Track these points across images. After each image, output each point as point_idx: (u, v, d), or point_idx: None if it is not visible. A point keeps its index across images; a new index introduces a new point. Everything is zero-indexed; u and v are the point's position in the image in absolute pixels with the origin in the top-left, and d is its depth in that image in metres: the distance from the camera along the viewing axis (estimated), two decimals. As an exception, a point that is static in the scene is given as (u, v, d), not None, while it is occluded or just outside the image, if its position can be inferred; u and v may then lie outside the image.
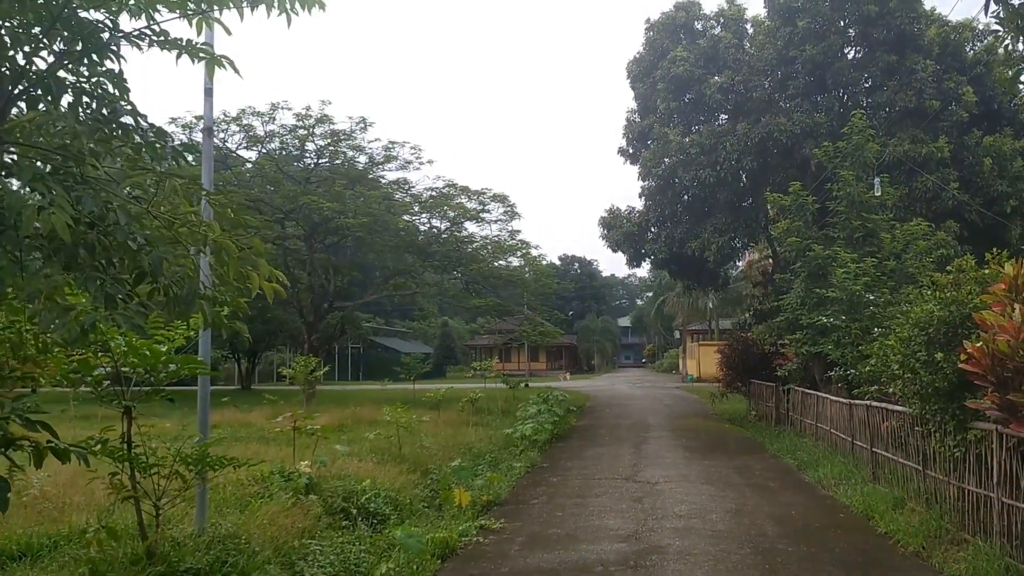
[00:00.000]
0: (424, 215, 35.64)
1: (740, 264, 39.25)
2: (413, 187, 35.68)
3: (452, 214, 34.94)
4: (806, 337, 17.72)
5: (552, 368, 75.93)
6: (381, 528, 9.45)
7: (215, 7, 4.17)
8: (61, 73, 4.38)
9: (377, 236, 31.96)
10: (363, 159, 34.62)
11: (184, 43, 4.27)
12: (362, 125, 32.91)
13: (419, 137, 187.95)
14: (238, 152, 33.81)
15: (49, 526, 8.30)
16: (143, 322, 3.67)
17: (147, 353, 6.76)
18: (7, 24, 4.02)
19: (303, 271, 33.80)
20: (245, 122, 32.09)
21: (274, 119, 32.18)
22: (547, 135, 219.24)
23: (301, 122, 32.13)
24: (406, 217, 34.51)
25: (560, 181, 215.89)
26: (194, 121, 29.81)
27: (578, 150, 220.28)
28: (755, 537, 9.56)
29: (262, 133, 32.67)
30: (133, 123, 4.40)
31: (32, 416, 3.97)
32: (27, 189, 3.50)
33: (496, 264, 36.71)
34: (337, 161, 34.21)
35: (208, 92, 8.24)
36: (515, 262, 38.20)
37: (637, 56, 27.88)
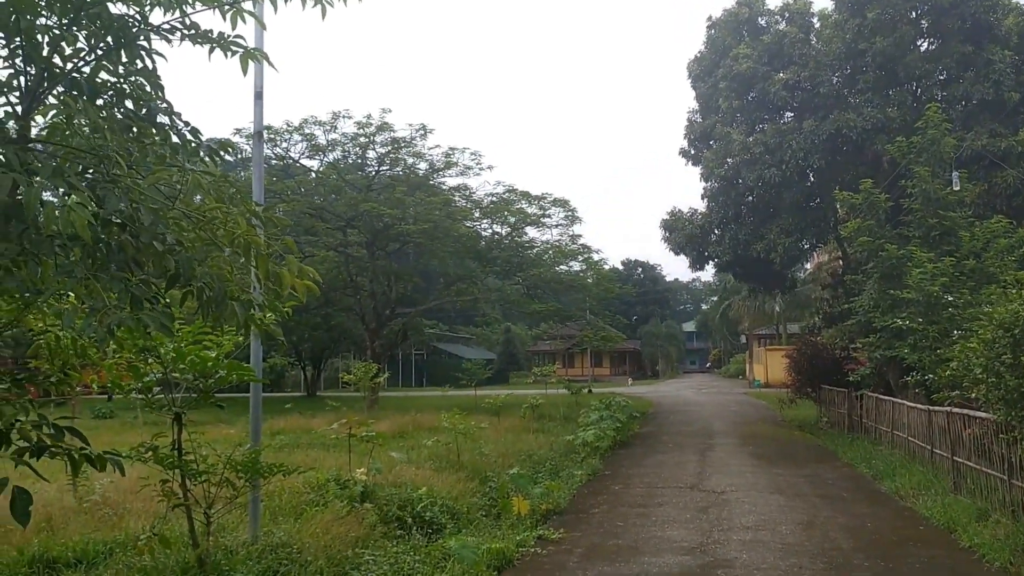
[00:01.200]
0: (485, 221, 35.51)
1: (808, 266, 38.18)
2: (474, 193, 35.58)
3: (513, 219, 34.70)
4: (880, 340, 17.01)
5: (616, 373, 75.26)
6: (437, 537, 9.24)
7: (246, -2, 4.02)
8: (102, 75, 4.30)
9: (438, 242, 31.94)
10: (423, 166, 34.63)
11: (216, 36, 4.12)
12: (422, 132, 32.92)
13: (478, 142, 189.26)
14: (301, 161, 34.22)
15: (107, 532, 8.33)
16: (171, 323, 3.52)
17: (196, 359, 6.68)
18: (39, 22, 3.92)
19: (365, 278, 33.99)
20: (307, 131, 32.46)
21: (335, 128, 32.44)
22: (608, 138, 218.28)
23: (362, 130, 32.27)
24: (467, 223, 34.38)
25: (623, 184, 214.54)
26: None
27: (640, 152, 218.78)
28: (828, 551, 9.07)
29: (324, 142, 33.00)
30: (169, 122, 4.29)
31: (61, 423, 3.86)
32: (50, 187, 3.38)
33: (557, 269, 36.40)
34: (398, 168, 34.27)
35: (258, 95, 8.18)
36: (576, 267, 37.82)
37: (698, 55, 27.33)
